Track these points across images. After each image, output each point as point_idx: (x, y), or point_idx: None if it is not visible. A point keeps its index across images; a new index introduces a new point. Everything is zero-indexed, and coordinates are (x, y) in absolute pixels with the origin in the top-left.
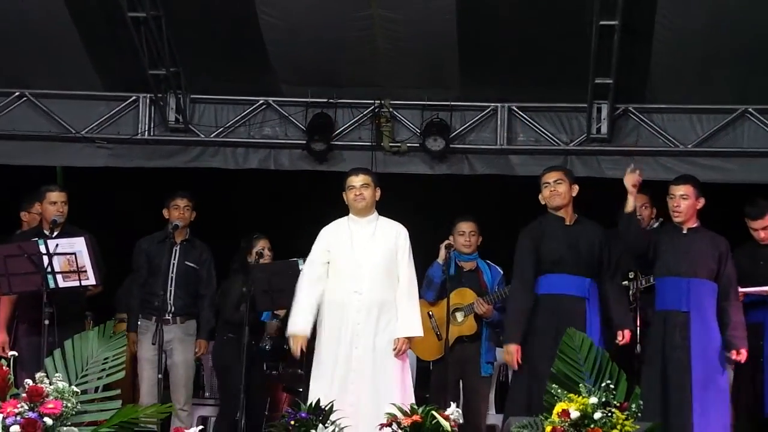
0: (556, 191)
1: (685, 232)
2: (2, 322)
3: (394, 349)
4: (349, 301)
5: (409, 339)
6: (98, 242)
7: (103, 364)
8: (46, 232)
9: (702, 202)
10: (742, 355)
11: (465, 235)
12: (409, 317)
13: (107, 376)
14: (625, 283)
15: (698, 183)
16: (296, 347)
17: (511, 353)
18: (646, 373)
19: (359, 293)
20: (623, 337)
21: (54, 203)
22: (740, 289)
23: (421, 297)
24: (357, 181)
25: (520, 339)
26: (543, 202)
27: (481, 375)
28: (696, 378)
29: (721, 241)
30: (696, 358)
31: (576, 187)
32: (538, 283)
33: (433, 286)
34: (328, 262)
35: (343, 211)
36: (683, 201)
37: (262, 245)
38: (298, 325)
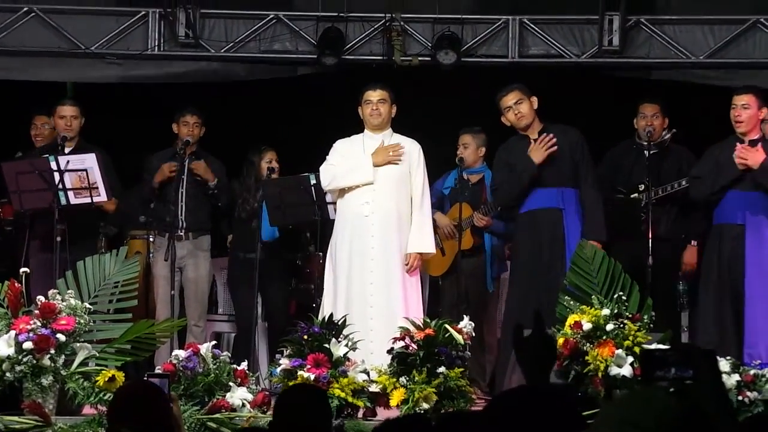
0: (521, 113)
1: (745, 143)
2: None
3: (406, 264)
4: (362, 214)
5: (421, 255)
6: (111, 159)
7: (114, 288)
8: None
9: (765, 111)
10: None
11: (464, 146)
12: (420, 232)
13: (118, 300)
14: (635, 195)
15: (761, 92)
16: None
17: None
18: (701, 287)
19: (370, 204)
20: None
21: (63, 117)
22: None
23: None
24: (374, 95)
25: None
26: (508, 125)
27: (487, 290)
28: (750, 289)
29: None
30: (751, 270)
31: (535, 99)
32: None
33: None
34: None
35: (352, 127)
36: (744, 111)
37: (269, 157)
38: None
